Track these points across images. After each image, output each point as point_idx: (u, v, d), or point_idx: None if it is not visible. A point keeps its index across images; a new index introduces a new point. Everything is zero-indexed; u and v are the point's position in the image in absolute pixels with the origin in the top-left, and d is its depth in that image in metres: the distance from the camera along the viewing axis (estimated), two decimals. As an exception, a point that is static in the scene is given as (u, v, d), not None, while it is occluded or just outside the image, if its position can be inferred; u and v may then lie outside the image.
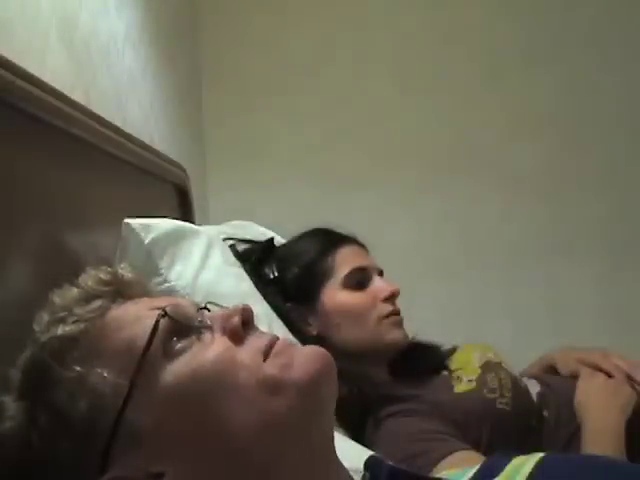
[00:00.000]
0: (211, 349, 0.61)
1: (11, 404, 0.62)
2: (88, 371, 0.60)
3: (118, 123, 1.25)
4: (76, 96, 1.07)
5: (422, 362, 1.35)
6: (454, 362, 1.36)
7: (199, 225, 1.39)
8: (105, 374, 0.60)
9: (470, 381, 1.28)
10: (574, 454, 1.17)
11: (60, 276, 0.70)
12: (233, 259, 1.33)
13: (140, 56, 1.59)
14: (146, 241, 1.10)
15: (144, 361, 0.60)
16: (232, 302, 0.68)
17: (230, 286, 1.21)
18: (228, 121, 2.32)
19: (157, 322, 0.62)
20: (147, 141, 1.45)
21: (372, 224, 1.88)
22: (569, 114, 2.29)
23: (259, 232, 1.58)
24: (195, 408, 0.59)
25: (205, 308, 0.69)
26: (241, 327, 0.63)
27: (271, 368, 0.60)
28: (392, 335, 1.32)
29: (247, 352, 0.61)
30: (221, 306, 0.68)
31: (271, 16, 2.34)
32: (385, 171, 2.29)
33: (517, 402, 1.26)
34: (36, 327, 0.65)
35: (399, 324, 1.34)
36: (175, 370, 0.60)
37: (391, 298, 1.34)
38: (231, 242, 1.42)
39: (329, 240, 1.39)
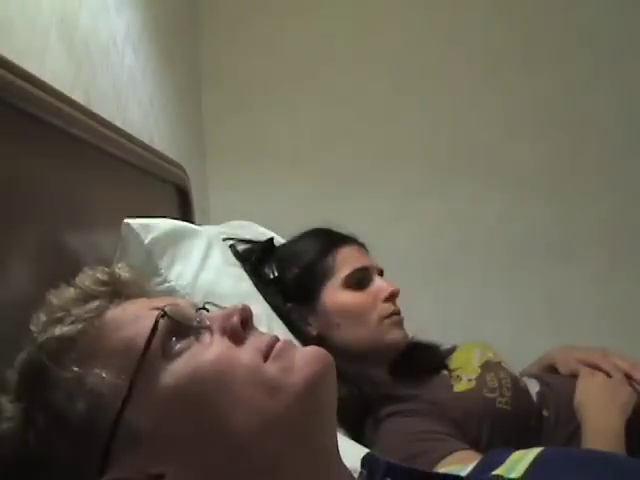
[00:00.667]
0: (211, 349, 0.61)
1: (8, 405, 0.62)
2: (86, 371, 0.60)
3: (118, 123, 1.25)
4: (76, 96, 1.07)
5: (422, 362, 1.36)
6: (454, 362, 1.36)
7: (199, 225, 1.39)
8: (104, 374, 0.59)
9: (470, 380, 1.28)
10: (575, 448, 1.17)
11: (60, 276, 0.70)
12: (233, 259, 1.33)
13: (140, 56, 1.59)
14: (146, 241, 1.10)
15: (143, 361, 0.60)
16: (232, 302, 0.68)
17: (230, 286, 1.21)
18: (228, 121, 2.32)
19: (157, 322, 0.61)
20: (147, 141, 1.45)
21: (372, 224, 1.87)
22: (569, 114, 2.28)
23: (259, 232, 1.58)
24: (195, 408, 0.59)
25: (204, 308, 0.68)
26: (240, 327, 0.63)
27: (271, 370, 0.60)
28: (392, 335, 1.32)
29: (247, 352, 0.61)
30: (219, 306, 0.68)
31: (271, 16, 2.34)
32: (385, 171, 2.28)
33: (517, 401, 1.26)
34: (33, 327, 0.64)
35: (399, 324, 1.34)
36: (174, 370, 0.60)
37: (391, 298, 1.34)
38: (231, 242, 1.42)
39: (329, 240, 1.39)
